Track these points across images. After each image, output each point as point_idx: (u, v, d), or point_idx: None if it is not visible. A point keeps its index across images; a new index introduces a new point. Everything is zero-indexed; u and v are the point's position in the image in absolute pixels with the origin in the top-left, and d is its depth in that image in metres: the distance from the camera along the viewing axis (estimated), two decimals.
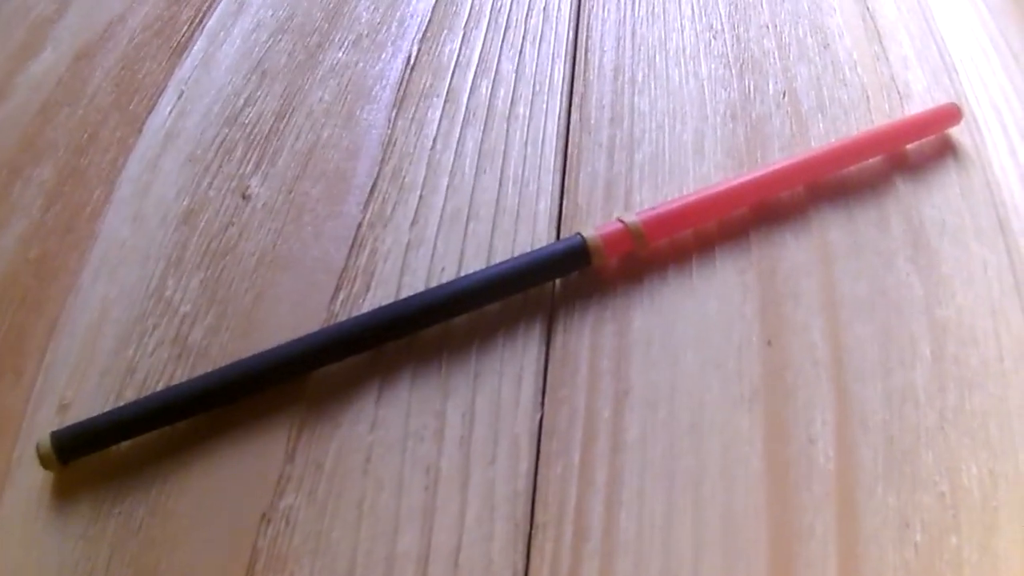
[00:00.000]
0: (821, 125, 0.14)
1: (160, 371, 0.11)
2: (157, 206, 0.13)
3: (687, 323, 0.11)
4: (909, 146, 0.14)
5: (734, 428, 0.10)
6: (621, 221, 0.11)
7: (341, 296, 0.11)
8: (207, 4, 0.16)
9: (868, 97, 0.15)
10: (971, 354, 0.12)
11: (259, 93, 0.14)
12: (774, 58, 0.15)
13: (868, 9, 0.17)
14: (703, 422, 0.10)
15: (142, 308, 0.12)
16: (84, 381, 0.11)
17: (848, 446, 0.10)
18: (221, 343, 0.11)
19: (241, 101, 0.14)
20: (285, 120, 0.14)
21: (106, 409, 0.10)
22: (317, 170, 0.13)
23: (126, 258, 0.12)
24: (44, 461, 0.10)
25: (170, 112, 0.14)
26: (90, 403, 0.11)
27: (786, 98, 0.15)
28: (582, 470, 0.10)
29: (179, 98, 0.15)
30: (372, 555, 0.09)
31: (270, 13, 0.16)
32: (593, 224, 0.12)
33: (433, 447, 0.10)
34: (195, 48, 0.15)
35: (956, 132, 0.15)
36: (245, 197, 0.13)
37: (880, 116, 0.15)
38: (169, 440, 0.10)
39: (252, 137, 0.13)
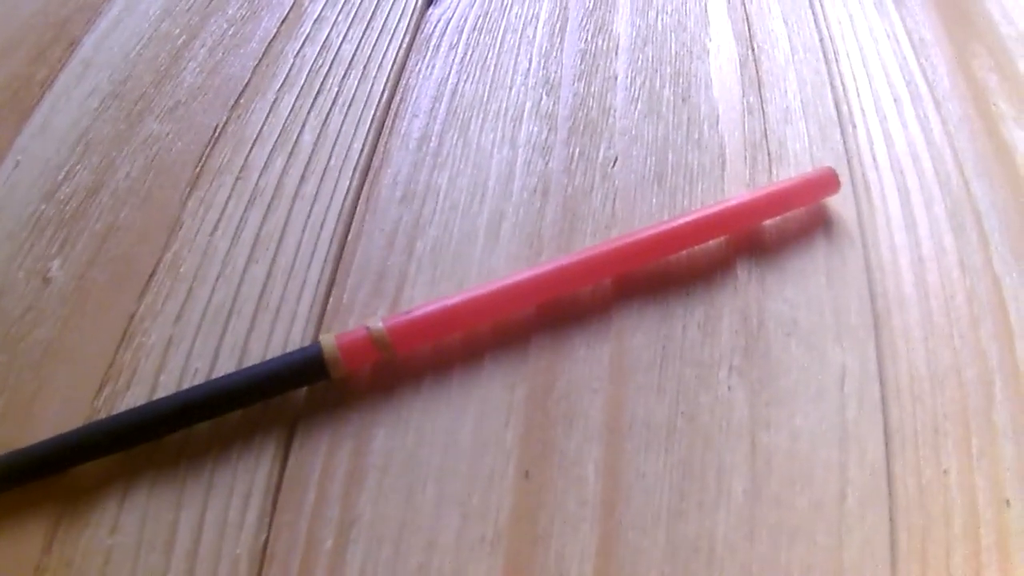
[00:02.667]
0: (655, 200, 0.14)
1: None
2: None
3: (433, 447, 0.11)
4: (768, 223, 0.13)
5: (467, 575, 0.10)
6: (366, 328, 0.11)
7: (105, 392, 0.12)
8: (61, 63, 0.18)
9: (724, 161, 0.14)
10: (801, 494, 0.11)
11: (79, 166, 0.15)
12: (614, 116, 0.15)
13: (753, 50, 0.16)
14: (432, 566, 0.10)
15: None
16: None
17: None
18: (4, 431, 0.12)
19: (62, 175, 0.15)
20: (94, 197, 0.15)
21: None
22: (109, 255, 0.14)
23: None
24: None
25: (3, 183, 0.16)
26: None
27: (615, 166, 0.14)
28: None
29: (15, 168, 0.16)
30: None
31: (107, 76, 0.17)
32: (342, 330, 0.12)
33: (162, 558, 0.11)
34: (38, 113, 0.17)
35: (837, 202, 0.14)
36: (45, 280, 0.14)
37: (736, 185, 0.14)
38: None
39: (64, 215, 0.15)
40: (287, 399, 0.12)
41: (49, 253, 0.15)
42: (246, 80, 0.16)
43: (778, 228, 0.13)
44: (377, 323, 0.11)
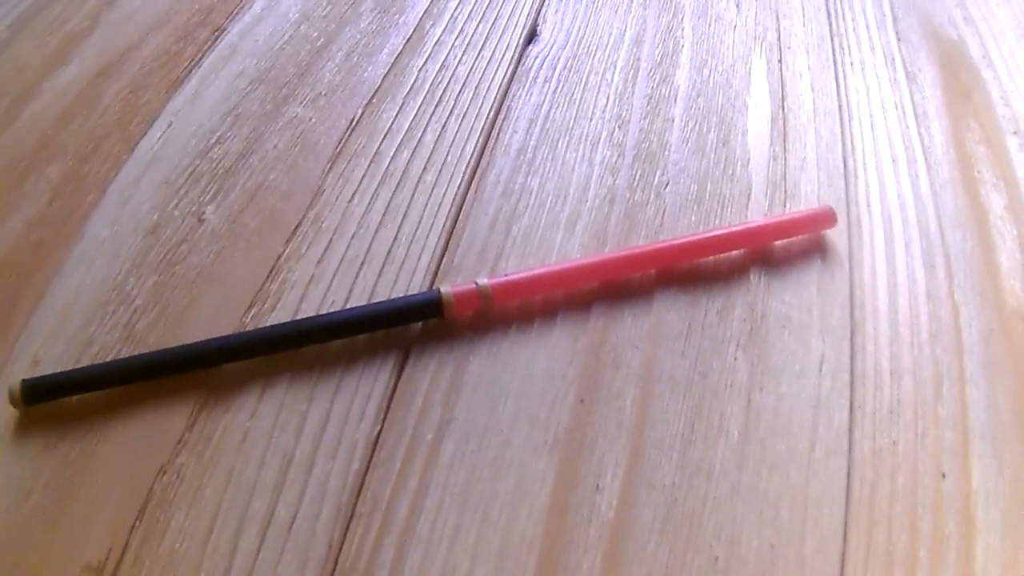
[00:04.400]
0: (694, 217, 0.20)
1: (111, 347, 0.18)
2: (132, 216, 0.20)
3: (513, 375, 0.17)
4: (778, 243, 0.19)
5: (531, 468, 0.16)
6: (475, 283, 0.17)
7: (252, 312, 0.18)
8: (208, 45, 0.24)
9: (750, 194, 0.20)
10: (781, 440, 0.16)
11: (229, 133, 0.22)
12: (669, 150, 0.21)
13: (783, 110, 0.23)
14: (505, 458, 0.16)
15: (107, 296, 0.19)
16: (54, 345, 0.18)
17: (632, 500, 0.15)
18: (158, 333, 0.18)
19: (214, 138, 0.21)
20: (244, 160, 0.21)
21: (67, 369, 0.17)
22: (258, 206, 0.20)
23: (102, 254, 0.19)
24: (12, 401, 0.16)
25: (159, 138, 0.22)
26: (56, 362, 0.17)
27: (667, 188, 0.20)
28: (398, 478, 0.15)
29: (168, 127, 0.22)
30: (231, 512, 0.15)
31: (254, 63, 0.23)
32: (456, 282, 0.18)
33: (292, 438, 0.16)
34: (188, 85, 0.23)
35: (834, 235, 0.20)
36: (200, 220, 0.20)
37: (756, 212, 0.20)
38: (106, 400, 0.16)
39: (216, 171, 0.21)
40: (406, 330, 0.17)
41: (204, 199, 0.20)
42: (377, 84, 0.22)
43: (785, 248, 0.19)
44: (484, 280, 0.17)
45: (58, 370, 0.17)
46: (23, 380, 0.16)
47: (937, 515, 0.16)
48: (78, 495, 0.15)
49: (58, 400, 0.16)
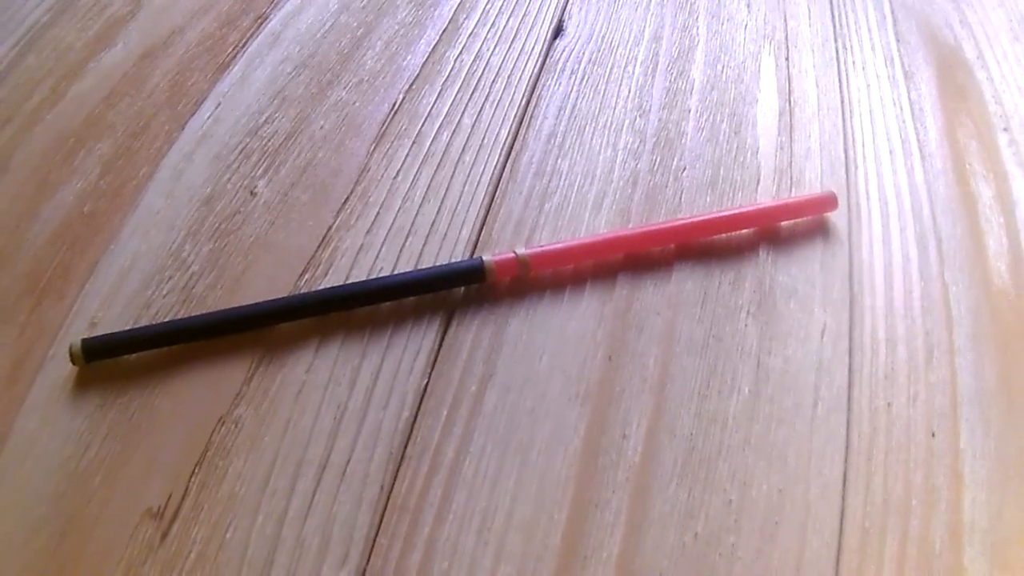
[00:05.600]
0: (708, 199, 0.23)
1: (168, 309, 0.20)
2: (186, 189, 0.22)
3: (549, 334, 0.19)
4: (785, 224, 0.22)
5: (564, 417, 0.18)
6: (514, 252, 0.19)
7: (306, 277, 0.20)
8: (251, 31, 0.26)
9: (759, 179, 0.23)
10: (787, 397, 0.19)
11: (277, 114, 0.24)
12: (686, 138, 0.24)
13: (790, 104, 0.25)
14: (541, 408, 0.18)
15: (163, 263, 0.21)
16: (111, 308, 0.20)
17: (654, 447, 0.18)
18: (215, 296, 0.20)
19: (262, 118, 0.24)
20: (292, 139, 0.23)
21: (125, 329, 0.19)
22: (308, 181, 0.22)
23: (157, 224, 0.22)
24: (74, 358, 0.19)
25: (208, 117, 0.24)
26: (113, 324, 0.19)
27: (685, 173, 0.23)
28: (445, 425, 0.18)
29: (216, 107, 0.24)
30: (288, 458, 0.17)
31: (297, 49, 0.26)
32: (496, 251, 0.20)
33: (346, 391, 0.18)
34: (235, 68, 0.25)
35: (836, 217, 0.22)
36: (252, 193, 0.22)
37: (765, 196, 0.23)
38: (166, 358, 0.19)
39: (266, 148, 0.23)
40: (450, 294, 0.20)
41: (255, 174, 0.23)
42: (416, 72, 0.25)
43: (791, 228, 0.22)
44: (522, 250, 0.19)
45: (116, 331, 0.19)
46: (83, 339, 0.18)
47: (928, 469, 0.18)
48: (138, 446, 0.17)
49: (116, 359, 0.18)
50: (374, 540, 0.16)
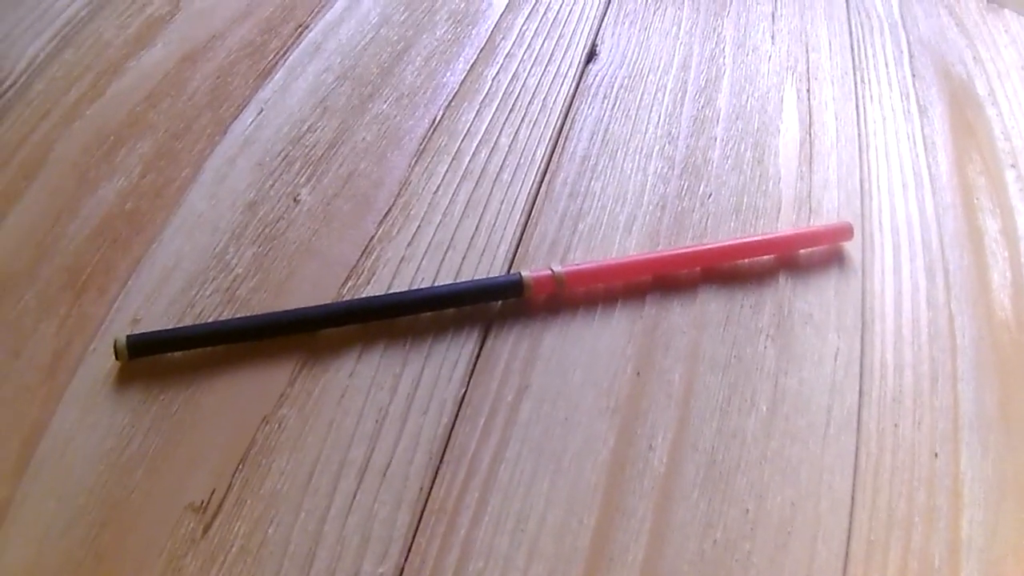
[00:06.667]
0: (732, 224, 0.24)
1: (212, 309, 0.21)
2: (230, 192, 0.24)
3: (581, 349, 0.21)
4: (803, 251, 0.24)
5: (595, 428, 0.20)
6: (551, 269, 0.21)
7: (349, 284, 0.22)
8: (292, 40, 0.28)
9: (780, 208, 0.25)
10: (802, 416, 0.21)
11: (319, 124, 0.25)
12: (712, 166, 0.26)
13: (810, 135, 0.27)
14: (574, 419, 0.20)
15: (207, 264, 0.22)
16: (154, 306, 0.21)
17: (678, 459, 0.20)
18: (259, 299, 0.21)
19: (305, 127, 0.25)
20: (335, 149, 0.25)
21: (170, 327, 0.20)
22: (351, 191, 0.24)
23: (201, 226, 0.23)
24: (118, 353, 0.20)
25: (250, 123, 0.25)
26: (156, 322, 0.21)
27: (711, 199, 0.25)
28: (483, 432, 0.19)
29: (259, 113, 0.26)
30: (330, 459, 0.19)
31: (338, 60, 0.27)
32: (533, 268, 0.22)
33: (388, 396, 0.20)
34: (276, 76, 0.27)
35: (850, 246, 0.24)
36: (296, 200, 0.23)
37: (785, 224, 0.25)
38: (208, 358, 0.20)
39: (309, 157, 0.25)
40: (488, 307, 0.22)
41: (299, 181, 0.24)
42: (455, 90, 0.27)
43: (808, 256, 0.24)
44: (558, 267, 0.21)
45: (158, 329, 0.20)
46: (128, 335, 0.20)
47: (930, 488, 0.20)
48: (181, 441, 0.18)
49: (158, 357, 0.19)
50: (412, 539, 0.17)
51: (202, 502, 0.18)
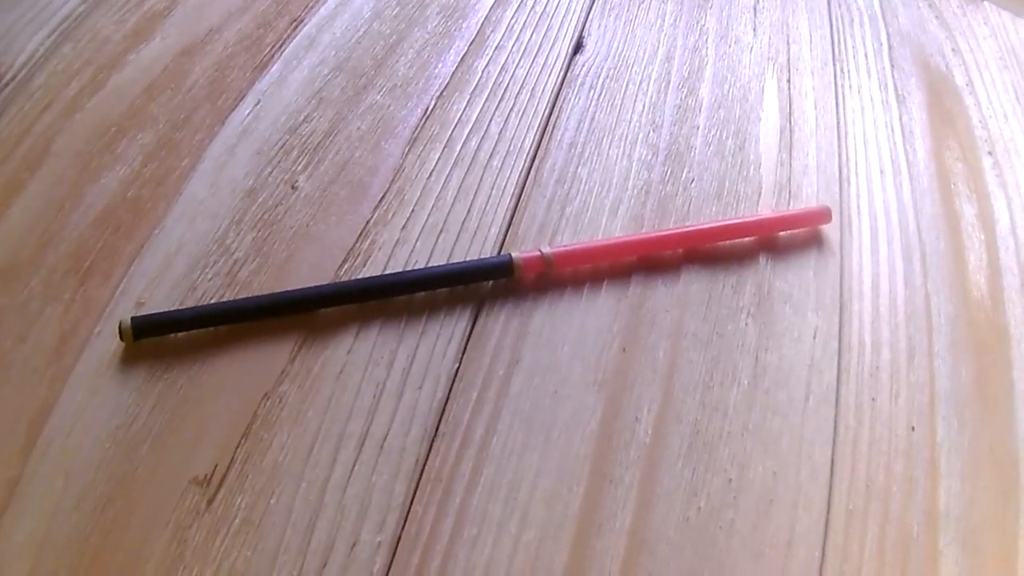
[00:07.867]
0: (714, 209, 0.26)
1: (213, 292, 0.22)
2: (229, 180, 0.25)
3: (570, 326, 0.22)
4: (783, 234, 0.25)
5: (583, 400, 0.21)
6: (540, 251, 0.22)
7: (345, 267, 0.23)
8: (288, 34, 0.29)
9: (761, 193, 0.27)
10: (782, 390, 0.22)
11: (315, 114, 0.27)
12: (695, 152, 0.27)
13: (790, 124, 0.29)
14: (563, 392, 0.21)
15: (208, 248, 0.23)
16: (157, 289, 0.22)
17: (663, 430, 0.21)
18: (259, 282, 0.23)
19: (301, 117, 0.27)
20: (331, 138, 0.26)
21: (174, 309, 0.21)
22: (346, 178, 0.25)
23: (202, 212, 0.24)
24: (123, 335, 0.21)
25: (248, 114, 0.27)
26: (159, 305, 0.22)
27: (693, 184, 0.27)
28: (476, 405, 0.21)
29: (256, 104, 0.27)
30: (329, 432, 0.20)
31: (333, 53, 0.29)
32: (522, 249, 0.23)
33: (384, 371, 0.21)
34: (273, 68, 0.28)
35: (829, 230, 0.26)
36: (293, 187, 0.25)
37: (765, 208, 0.26)
38: (211, 337, 0.21)
39: (305, 145, 0.26)
40: (480, 287, 0.23)
41: (296, 169, 0.25)
42: (447, 81, 0.28)
43: (788, 238, 0.25)
44: (547, 248, 0.23)
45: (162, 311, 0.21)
46: (133, 317, 0.21)
47: (907, 460, 0.22)
48: (185, 417, 0.20)
49: (162, 338, 0.20)
50: (409, 508, 0.18)
51: (206, 476, 0.19)
